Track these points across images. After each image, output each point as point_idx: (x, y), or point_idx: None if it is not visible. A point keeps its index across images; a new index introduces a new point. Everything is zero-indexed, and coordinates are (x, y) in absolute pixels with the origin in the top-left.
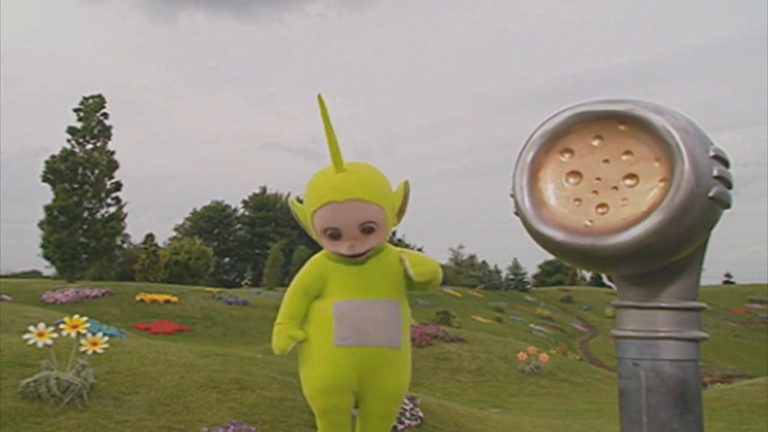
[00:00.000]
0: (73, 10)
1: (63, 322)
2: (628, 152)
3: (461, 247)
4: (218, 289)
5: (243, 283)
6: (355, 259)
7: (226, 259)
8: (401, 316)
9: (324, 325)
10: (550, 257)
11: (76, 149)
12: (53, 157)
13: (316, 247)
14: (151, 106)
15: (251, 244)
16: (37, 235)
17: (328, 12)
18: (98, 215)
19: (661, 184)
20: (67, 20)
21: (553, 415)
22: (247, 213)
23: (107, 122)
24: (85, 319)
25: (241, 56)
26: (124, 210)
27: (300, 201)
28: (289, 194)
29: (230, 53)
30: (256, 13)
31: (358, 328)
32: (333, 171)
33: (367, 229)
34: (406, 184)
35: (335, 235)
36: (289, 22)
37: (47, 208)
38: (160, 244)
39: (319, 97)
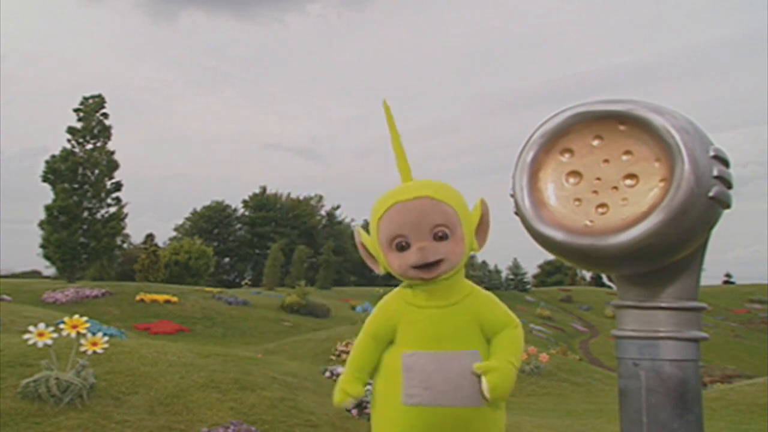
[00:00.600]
0: (73, 10)
1: (63, 322)
2: (628, 152)
3: None
4: (218, 289)
5: (243, 283)
6: (426, 272)
7: (226, 259)
8: None
9: (392, 380)
10: (550, 257)
11: (76, 149)
12: (53, 157)
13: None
14: (151, 106)
15: (251, 244)
16: (37, 235)
17: (328, 12)
18: (98, 215)
19: (661, 184)
20: (67, 20)
21: (553, 415)
22: (247, 213)
23: (107, 122)
24: (85, 319)
25: (242, 56)
26: (125, 210)
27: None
28: (354, 225)
29: (230, 53)
30: (256, 13)
31: (428, 384)
32: (402, 183)
33: (439, 235)
34: (483, 203)
35: (403, 244)
36: (290, 22)
37: (47, 208)
38: (160, 244)
39: (385, 104)
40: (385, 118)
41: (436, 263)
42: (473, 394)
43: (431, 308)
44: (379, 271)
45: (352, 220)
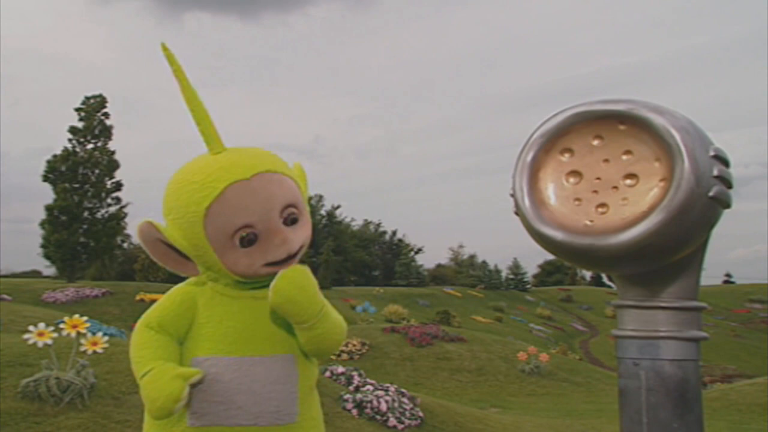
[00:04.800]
0: (80, 11)
1: (63, 322)
2: (628, 152)
3: (461, 246)
4: None
5: None
6: (285, 266)
7: None
8: (297, 376)
9: None
10: (550, 257)
11: (77, 149)
12: (54, 156)
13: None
14: (155, 106)
15: None
16: (37, 235)
17: (331, 15)
18: (98, 215)
19: (661, 184)
20: (73, 21)
21: (553, 415)
22: None
23: (108, 122)
24: (85, 318)
25: (246, 58)
26: (126, 210)
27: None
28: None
29: (235, 55)
30: (260, 15)
31: (224, 397)
32: (210, 155)
33: (291, 218)
34: (298, 167)
35: (251, 237)
36: (294, 24)
37: (48, 208)
38: None
39: (163, 47)
40: (170, 67)
41: (297, 252)
42: (281, 409)
43: (246, 299)
44: (192, 272)
45: (353, 219)
